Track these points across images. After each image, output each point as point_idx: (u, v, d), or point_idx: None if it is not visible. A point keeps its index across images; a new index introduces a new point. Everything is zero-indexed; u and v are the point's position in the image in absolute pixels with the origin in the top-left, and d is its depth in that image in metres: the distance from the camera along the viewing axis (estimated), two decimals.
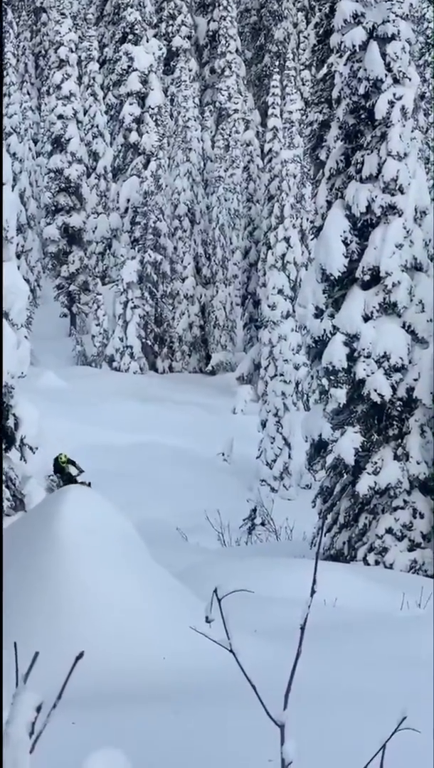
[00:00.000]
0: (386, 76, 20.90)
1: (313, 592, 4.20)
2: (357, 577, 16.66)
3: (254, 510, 27.93)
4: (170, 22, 52.11)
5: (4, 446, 15.95)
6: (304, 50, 49.23)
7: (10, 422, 15.98)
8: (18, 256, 20.43)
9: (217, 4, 53.33)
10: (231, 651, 4.02)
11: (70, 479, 23.41)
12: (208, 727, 6.84)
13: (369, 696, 7.42)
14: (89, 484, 23.09)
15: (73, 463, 23.52)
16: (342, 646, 9.88)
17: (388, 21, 20.90)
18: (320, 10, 27.03)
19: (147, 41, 45.21)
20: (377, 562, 20.95)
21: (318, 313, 21.67)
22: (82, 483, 22.32)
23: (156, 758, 5.53)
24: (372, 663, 9.36)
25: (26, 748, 1.85)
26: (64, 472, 23.31)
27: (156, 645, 8.86)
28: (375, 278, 20.91)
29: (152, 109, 44.43)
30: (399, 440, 21.06)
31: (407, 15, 21.66)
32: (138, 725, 6.85)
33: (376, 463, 20.91)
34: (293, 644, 4.14)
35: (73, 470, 22.92)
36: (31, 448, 16.17)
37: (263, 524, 27.58)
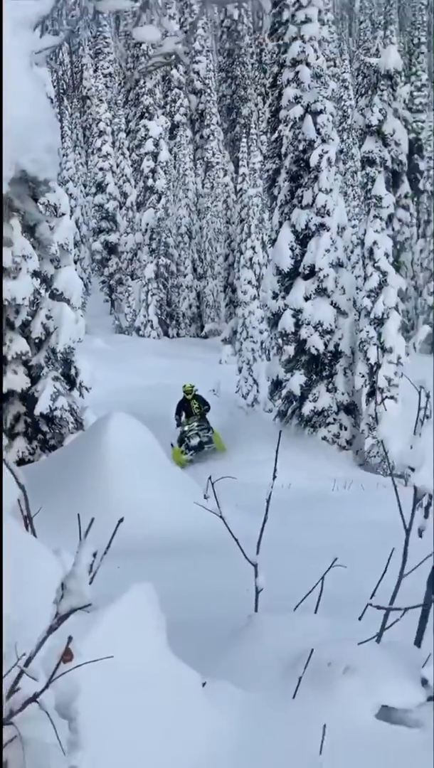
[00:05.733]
0: (317, 138, 20.68)
1: (274, 478, 4.20)
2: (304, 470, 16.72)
3: None
4: (173, 104, 51.32)
5: (68, 387, 15.94)
6: (262, 121, 48.65)
7: (72, 372, 16.02)
8: (75, 262, 20.28)
9: (203, 92, 52.62)
10: (221, 517, 4.03)
11: (194, 414, 21.24)
12: (206, 567, 6.88)
13: (312, 546, 7.46)
14: (207, 410, 21.28)
15: (199, 398, 21.97)
16: (294, 514, 9.92)
17: (318, 101, 20.66)
18: (272, 94, 26.59)
19: (157, 117, 44.56)
20: None
21: (275, 296, 21.60)
22: (201, 414, 20.40)
23: (174, 587, 5.56)
24: (314, 525, 9.42)
25: (87, 581, 1.86)
26: (189, 401, 21.76)
27: (173, 515, 8.89)
28: (312, 272, 20.81)
29: (162, 163, 43.87)
30: (330, 379, 21.06)
31: (330, 96, 21.45)
32: (162, 566, 6.90)
33: (315, 394, 20.92)
34: (262, 513, 4.15)
35: (194, 405, 21.29)
36: (86, 389, 16.19)
37: None
